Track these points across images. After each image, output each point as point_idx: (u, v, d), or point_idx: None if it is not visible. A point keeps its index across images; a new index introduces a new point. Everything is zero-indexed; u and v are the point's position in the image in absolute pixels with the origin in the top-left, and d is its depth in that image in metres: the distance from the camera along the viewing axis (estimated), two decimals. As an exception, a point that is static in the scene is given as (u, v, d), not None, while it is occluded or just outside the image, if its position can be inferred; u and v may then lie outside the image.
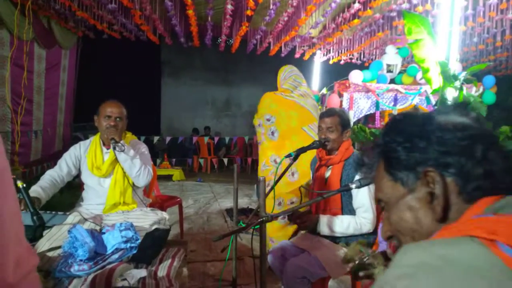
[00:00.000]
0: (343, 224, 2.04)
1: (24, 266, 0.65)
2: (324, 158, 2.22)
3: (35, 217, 1.64)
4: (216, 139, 8.74)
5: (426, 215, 0.64)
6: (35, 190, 2.18)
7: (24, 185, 1.73)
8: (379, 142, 0.71)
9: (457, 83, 4.32)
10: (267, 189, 2.27)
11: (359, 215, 2.06)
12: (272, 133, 3.24)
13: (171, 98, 12.23)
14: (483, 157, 0.61)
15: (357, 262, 1.31)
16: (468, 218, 0.58)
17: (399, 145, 0.66)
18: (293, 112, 3.24)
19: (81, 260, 1.38)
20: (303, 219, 2.06)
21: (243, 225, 1.51)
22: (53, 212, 1.95)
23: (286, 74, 3.42)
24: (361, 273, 1.30)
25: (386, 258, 1.29)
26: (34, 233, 1.59)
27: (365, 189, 2.02)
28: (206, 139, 9.02)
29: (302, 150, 2.23)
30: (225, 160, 8.85)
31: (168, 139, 7.95)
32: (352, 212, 2.10)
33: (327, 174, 2.21)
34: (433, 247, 0.52)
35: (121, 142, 2.25)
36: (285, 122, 3.22)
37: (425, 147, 0.63)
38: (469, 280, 0.46)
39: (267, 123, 3.24)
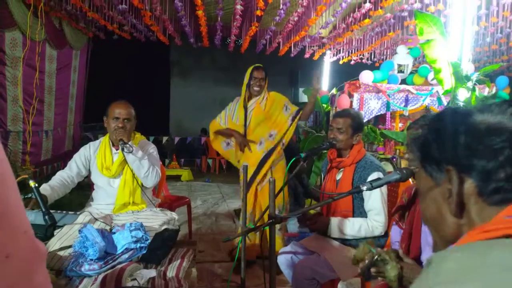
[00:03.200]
0: (354, 227, 2.02)
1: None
2: (335, 160, 2.20)
3: (46, 217, 1.64)
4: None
5: (446, 210, 0.67)
6: (43, 188, 2.18)
7: (36, 184, 1.74)
8: (420, 134, 0.75)
9: (470, 84, 4.26)
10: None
11: (370, 218, 2.04)
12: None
13: (180, 98, 12.28)
14: (508, 160, 0.60)
15: (367, 262, 1.30)
16: (500, 219, 0.58)
17: (433, 141, 0.69)
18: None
19: (91, 260, 1.38)
20: (314, 220, 2.04)
21: (252, 226, 1.50)
22: (64, 212, 1.96)
23: None
24: (372, 269, 1.28)
25: (398, 258, 1.28)
26: (46, 232, 1.60)
27: (377, 192, 2.00)
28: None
29: (313, 150, 2.21)
30: (234, 161, 8.84)
31: (176, 139, 7.98)
32: (363, 214, 2.08)
33: (338, 176, 2.19)
34: (472, 251, 0.52)
35: (130, 143, 2.26)
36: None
37: (453, 147, 0.65)
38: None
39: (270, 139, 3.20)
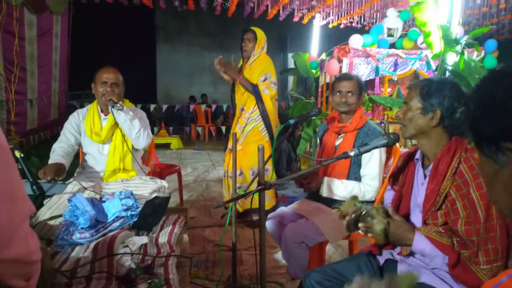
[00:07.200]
0: (346, 188, 2.05)
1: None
2: (336, 125, 2.20)
3: (34, 187, 1.64)
4: (214, 107, 8.67)
5: None
6: (56, 159, 2.22)
7: (22, 155, 1.73)
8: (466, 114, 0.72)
9: (459, 48, 4.24)
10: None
11: (364, 182, 2.07)
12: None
13: (167, 65, 12.02)
14: None
15: (352, 216, 1.34)
16: None
17: (482, 117, 0.62)
18: None
19: (82, 228, 1.39)
20: (309, 179, 2.07)
21: (242, 193, 1.52)
22: (52, 182, 1.96)
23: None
24: (360, 224, 1.33)
25: (387, 214, 1.32)
26: (35, 202, 1.60)
27: (376, 158, 2.03)
28: (203, 107, 8.95)
29: (302, 117, 2.21)
30: (223, 128, 8.82)
31: (164, 107, 7.89)
32: (358, 180, 2.11)
33: (338, 142, 2.20)
34: None
35: (120, 103, 2.26)
36: None
37: (507, 119, 0.56)
38: None
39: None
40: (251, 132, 3.27)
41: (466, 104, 1.23)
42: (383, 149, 2.07)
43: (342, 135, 2.18)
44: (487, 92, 0.59)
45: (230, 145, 3.40)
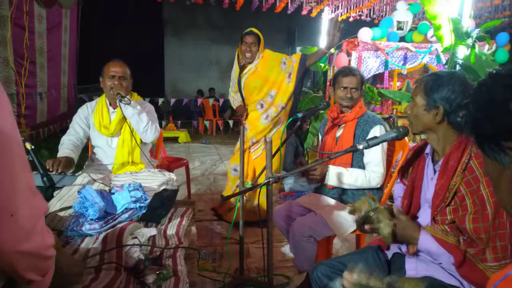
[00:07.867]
0: (352, 176, 2.06)
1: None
2: (337, 117, 2.20)
3: (45, 178, 1.66)
4: (221, 100, 8.67)
5: None
6: (65, 152, 2.24)
7: (33, 146, 1.75)
8: (467, 116, 0.70)
9: (469, 41, 4.17)
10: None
11: (368, 169, 2.08)
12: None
13: (175, 58, 12.03)
14: None
15: (362, 213, 1.33)
16: None
17: (483, 118, 0.63)
18: None
19: (91, 220, 1.40)
20: (314, 167, 2.05)
21: (250, 186, 1.52)
22: (62, 174, 1.98)
23: None
24: (366, 226, 1.32)
25: (392, 214, 1.31)
26: (45, 194, 1.62)
27: (378, 146, 2.03)
28: (211, 101, 8.96)
29: (309, 111, 2.21)
30: (231, 122, 8.81)
31: (172, 101, 7.91)
32: (361, 168, 2.12)
33: (338, 133, 2.20)
34: None
35: (127, 97, 2.27)
36: None
37: (507, 119, 0.57)
38: None
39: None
40: (274, 135, 3.05)
41: (467, 106, 1.19)
42: None
43: (342, 125, 2.20)
44: (487, 93, 0.61)
45: (246, 146, 3.04)
